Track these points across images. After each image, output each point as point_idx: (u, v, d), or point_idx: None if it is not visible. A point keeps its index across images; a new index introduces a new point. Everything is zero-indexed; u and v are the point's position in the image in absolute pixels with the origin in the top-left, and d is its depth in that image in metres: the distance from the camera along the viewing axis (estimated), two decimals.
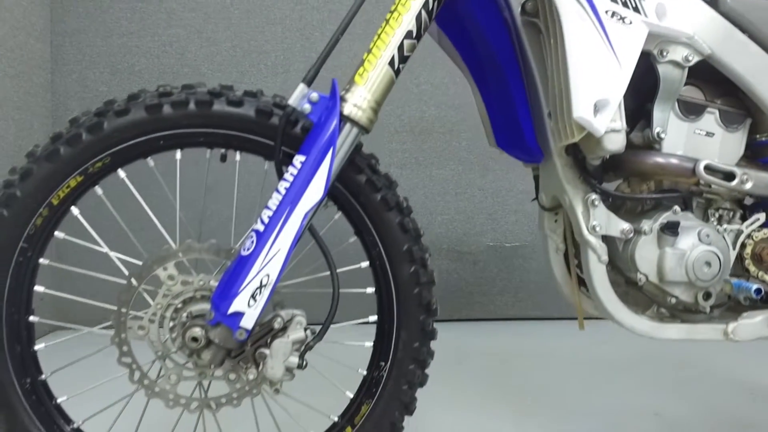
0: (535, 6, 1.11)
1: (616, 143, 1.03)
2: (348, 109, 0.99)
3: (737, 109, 1.16)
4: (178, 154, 1.09)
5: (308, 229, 1.01)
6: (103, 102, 1.06)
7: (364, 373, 1.15)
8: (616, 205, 1.17)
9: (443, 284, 2.69)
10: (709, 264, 1.10)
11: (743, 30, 1.11)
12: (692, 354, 2.20)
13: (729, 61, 1.10)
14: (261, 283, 0.95)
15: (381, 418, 1.11)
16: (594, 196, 1.10)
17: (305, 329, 1.01)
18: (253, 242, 0.96)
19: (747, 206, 1.22)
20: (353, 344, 1.15)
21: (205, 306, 1.01)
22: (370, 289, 1.14)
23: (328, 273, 1.05)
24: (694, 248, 1.10)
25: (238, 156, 1.11)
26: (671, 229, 1.09)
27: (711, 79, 1.14)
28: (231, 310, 0.95)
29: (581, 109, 0.97)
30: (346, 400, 1.16)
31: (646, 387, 1.86)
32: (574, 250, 1.26)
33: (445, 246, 2.74)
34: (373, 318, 1.15)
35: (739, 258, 1.16)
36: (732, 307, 1.20)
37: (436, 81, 2.71)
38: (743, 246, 1.16)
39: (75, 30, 2.62)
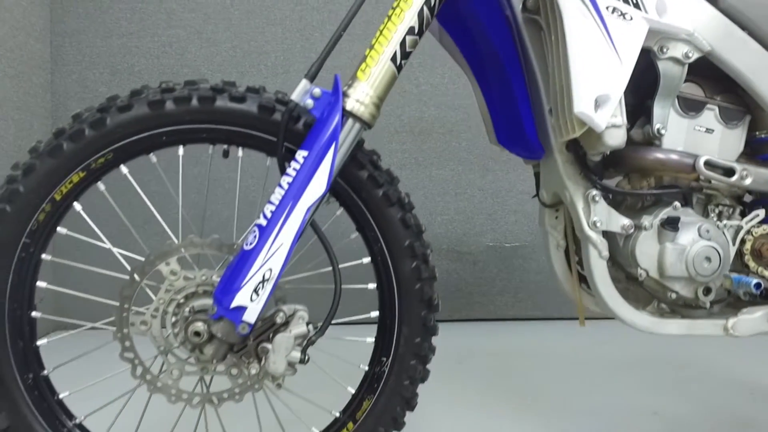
0: (536, 3, 1.12)
1: (616, 139, 1.04)
2: (350, 104, 0.99)
3: (737, 105, 1.17)
4: (181, 150, 1.09)
5: (310, 224, 1.02)
6: (105, 98, 1.06)
7: (366, 368, 1.16)
8: (616, 201, 1.18)
9: (443, 284, 2.70)
10: (709, 259, 1.10)
11: (743, 27, 1.12)
12: (692, 354, 2.21)
13: (729, 58, 1.11)
14: (263, 277, 0.96)
15: (382, 413, 1.12)
16: (595, 191, 1.10)
17: (307, 324, 1.01)
18: (255, 237, 0.96)
19: (746, 203, 1.23)
20: (354, 340, 1.16)
21: (208, 301, 1.02)
22: (372, 285, 1.14)
23: (330, 269, 1.06)
24: (694, 243, 1.10)
25: (240, 152, 1.11)
26: (671, 224, 1.10)
27: (711, 76, 1.14)
28: (233, 304, 0.96)
29: (582, 104, 0.98)
30: (347, 395, 1.16)
31: (646, 386, 1.86)
32: (574, 246, 1.26)
33: (444, 246, 2.75)
34: (375, 314, 1.15)
35: (739, 254, 1.17)
36: (732, 303, 1.20)
37: (435, 81, 2.72)
38: (743, 242, 1.16)
39: (75, 30, 2.63)
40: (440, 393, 1.76)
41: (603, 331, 2.50)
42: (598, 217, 1.10)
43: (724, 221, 1.16)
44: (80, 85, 2.64)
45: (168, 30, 2.65)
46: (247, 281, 0.95)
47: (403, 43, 1.01)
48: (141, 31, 2.64)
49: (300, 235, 0.98)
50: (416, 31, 1.02)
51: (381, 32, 1.01)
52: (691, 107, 1.14)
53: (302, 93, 1.01)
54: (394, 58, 1.01)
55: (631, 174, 1.18)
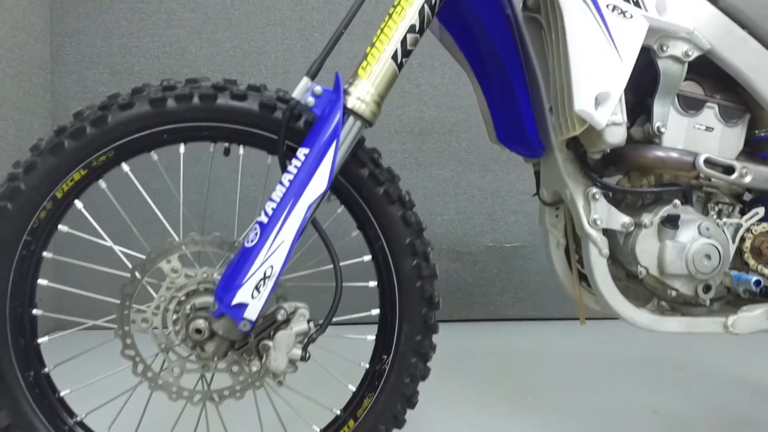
0: (537, 1, 1.12)
1: (616, 136, 1.04)
2: (351, 102, 1.00)
3: (736, 104, 1.17)
4: (182, 148, 1.09)
5: (311, 222, 1.02)
6: (107, 96, 1.06)
7: (367, 366, 1.16)
8: (616, 199, 1.18)
9: (443, 285, 2.70)
10: (708, 257, 1.11)
11: (742, 26, 1.12)
12: (691, 354, 2.21)
13: (728, 56, 1.11)
14: (265, 274, 0.96)
15: (383, 411, 1.12)
16: (595, 189, 1.11)
17: (308, 321, 1.01)
18: (257, 234, 0.97)
19: (746, 202, 1.23)
20: (355, 337, 1.16)
21: (209, 299, 1.02)
22: (373, 283, 1.14)
23: (331, 267, 1.06)
24: (694, 241, 1.11)
25: (241, 150, 1.11)
26: (671, 222, 1.10)
27: (710, 75, 1.15)
28: (235, 301, 0.96)
29: (582, 102, 0.98)
30: (348, 393, 1.16)
31: (646, 386, 1.86)
32: (574, 245, 1.26)
33: (444, 246, 2.75)
34: (376, 311, 1.15)
35: (739, 252, 1.17)
36: (731, 300, 1.20)
37: (435, 82, 2.72)
38: (742, 240, 1.16)
39: (75, 30, 2.63)
40: (440, 393, 1.76)
41: (603, 331, 2.51)
42: (599, 214, 1.10)
43: (724, 219, 1.16)
44: (80, 85, 2.64)
45: (168, 30, 2.65)
46: (249, 278, 0.96)
47: (404, 41, 1.01)
48: (141, 31, 2.64)
49: (301, 232, 0.98)
50: (417, 29, 1.02)
51: (382, 30, 1.02)
52: (690, 105, 1.15)
53: (303, 91, 1.01)
54: (395, 56, 1.01)
55: (631, 172, 1.19)
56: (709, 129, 1.16)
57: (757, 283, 1.09)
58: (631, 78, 1.02)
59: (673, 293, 1.14)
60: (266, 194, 1.01)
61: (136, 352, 1.05)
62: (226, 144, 1.11)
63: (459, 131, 2.74)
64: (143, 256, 1.04)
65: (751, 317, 1.15)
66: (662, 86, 1.10)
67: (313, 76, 1.02)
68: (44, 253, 1.07)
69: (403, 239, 1.09)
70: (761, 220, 1.17)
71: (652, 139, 1.13)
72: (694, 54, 1.10)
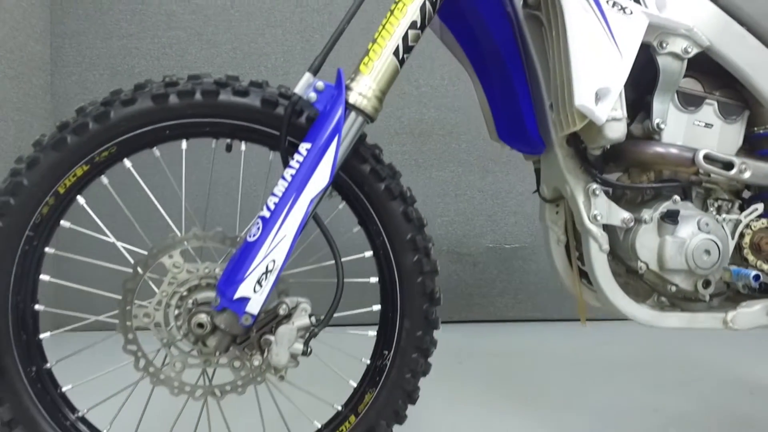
0: None
1: (617, 131, 1.05)
2: (353, 97, 1.00)
3: (735, 101, 1.18)
4: (184, 144, 1.09)
5: (313, 217, 1.02)
6: (109, 92, 1.07)
7: (368, 362, 1.16)
8: (616, 195, 1.19)
9: (443, 286, 2.69)
10: (708, 252, 1.11)
11: (741, 23, 1.13)
12: (692, 354, 2.21)
13: (727, 53, 1.12)
14: (267, 268, 0.96)
15: (384, 406, 1.12)
16: (595, 185, 1.11)
17: (310, 316, 1.01)
18: (259, 228, 0.97)
19: (745, 200, 1.24)
20: (356, 333, 1.16)
21: (211, 294, 1.02)
22: (374, 279, 1.15)
23: (332, 263, 1.06)
24: (693, 236, 1.11)
25: (243, 146, 1.12)
26: (671, 217, 1.11)
27: (710, 72, 1.16)
28: (237, 295, 0.96)
29: (583, 97, 0.99)
30: (349, 389, 1.16)
31: (646, 385, 1.86)
32: (575, 242, 1.27)
33: (444, 248, 2.75)
34: (377, 307, 1.15)
35: (738, 247, 1.17)
36: (731, 296, 1.21)
37: (435, 83, 2.73)
38: (742, 236, 1.17)
39: (75, 32, 2.63)
40: (441, 393, 1.76)
41: (603, 331, 2.52)
42: (599, 210, 1.11)
43: (723, 215, 1.17)
44: (80, 86, 2.64)
45: (168, 31, 2.66)
46: (251, 272, 0.96)
47: (405, 38, 1.02)
48: (141, 33, 2.65)
49: (303, 226, 0.98)
50: (418, 25, 1.02)
51: (383, 26, 1.02)
52: (690, 102, 1.15)
53: (305, 86, 1.02)
54: (396, 52, 1.02)
55: (631, 168, 1.19)
56: (708, 126, 1.16)
57: (756, 277, 1.09)
58: (630, 75, 1.03)
59: (673, 288, 1.14)
60: (268, 190, 1.01)
61: (138, 347, 1.05)
62: (228, 140, 1.11)
63: (459, 133, 2.75)
64: (145, 252, 1.04)
65: (750, 313, 1.15)
66: (662, 83, 1.11)
67: (315, 72, 1.03)
68: (46, 249, 1.07)
69: (405, 235, 1.10)
70: (760, 216, 1.18)
71: (652, 135, 1.13)
72: (694, 51, 1.10)
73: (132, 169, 1.09)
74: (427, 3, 1.02)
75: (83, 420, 1.10)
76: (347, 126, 1.00)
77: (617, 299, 1.14)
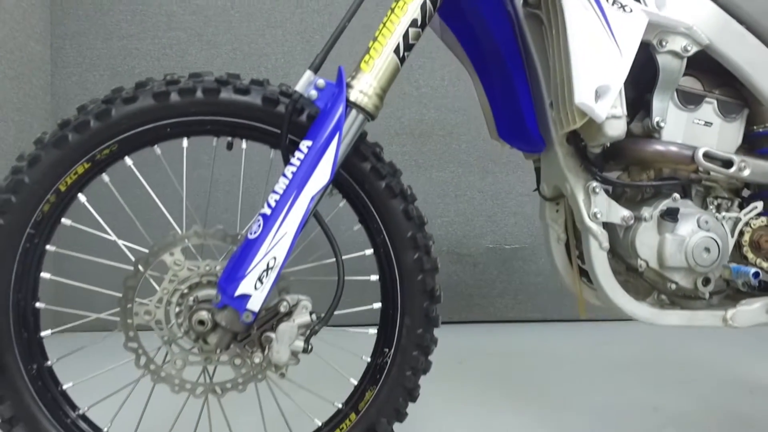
0: None
1: (616, 129, 1.05)
2: (354, 95, 1.00)
3: (735, 99, 1.18)
4: (185, 142, 1.10)
5: (314, 215, 1.02)
6: (111, 89, 1.07)
7: (368, 360, 1.16)
8: (616, 193, 1.20)
9: (443, 287, 2.70)
10: (708, 250, 1.11)
11: (741, 22, 1.14)
12: (691, 354, 2.21)
13: (727, 51, 1.13)
14: (268, 265, 0.96)
15: (385, 404, 1.12)
16: (595, 183, 1.12)
17: (311, 314, 1.01)
18: (260, 226, 0.97)
19: (745, 198, 1.24)
20: (357, 331, 1.16)
21: (211, 291, 1.02)
22: (374, 277, 1.15)
23: (332, 261, 1.06)
24: (693, 234, 1.11)
25: (244, 144, 1.12)
26: (671, 215, 1.11)
27: (709, 70, 1.16)
28: (238, 292, 0.96)
29: (583, 94, 0.99)
30: (350, 387, 1.17)
31: (646, 385, 1.87)
32: (575, 240, 1.27)
33: (444, 248, 2.75)
34: (377, 305, 1.16)
35: (738, 245, 1.18)
36: (731, 295, 1.21)
37: (435, 84, 2.73)
38: (741, 233, 1.17)
39: (75, 32, 2.63)
40: (441, 393, 1.76)
41: (603, 332, 2.52)
42: (599, 208, 1.11)
43: (723, 213, 1.17)
44: (80, 87, 2.64)
45: (168, 32, 2.66)
46: (252, 269, 0.96)
47: (406, 35, 1.02)
48: (141, 33, 2.65)
49: (304, 224, 0.98)
50: (419, 23, 1.03)
51: (384, 24, 1.03)
52: (690, 100, 1.16)
53: (306, 84, 1.02)
54: (397, 50, 1.02)
55: (631, 167, 1.20)
56: (707, 124, 1.17)
57: (756, 275, 1.10)
58: (630, 73, 1.03)
59: (673, 286, 1.15)
60: (269, 188, 1.02)
61: (139, 345, 1.05)
62: (229, 138, 1.11)
63: (459, 133, 2.75)
64: (146, 250, 1.05)
65: (749, 311, 1.16)
66: (661, 81, 1.11)
67: (316, 70, 1.03)
68: (47, 247, 1.07)
69: (405, 232, 1.10)
70: (760, 215, 1.18)
71: (652, 133, 1.14)
72: (693, 49, 1.11)
73: (133, 167, 1.09)
74: (428, 1, 1.03)
75: (84, 418, 1.10)
76: (348, 123, 1.00)
77: (617, 297, 1.14)
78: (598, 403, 1.70)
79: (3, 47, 2.28)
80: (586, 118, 1.02)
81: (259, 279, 0.96)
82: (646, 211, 1.12)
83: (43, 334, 1.08)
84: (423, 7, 1.02)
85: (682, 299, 1.19)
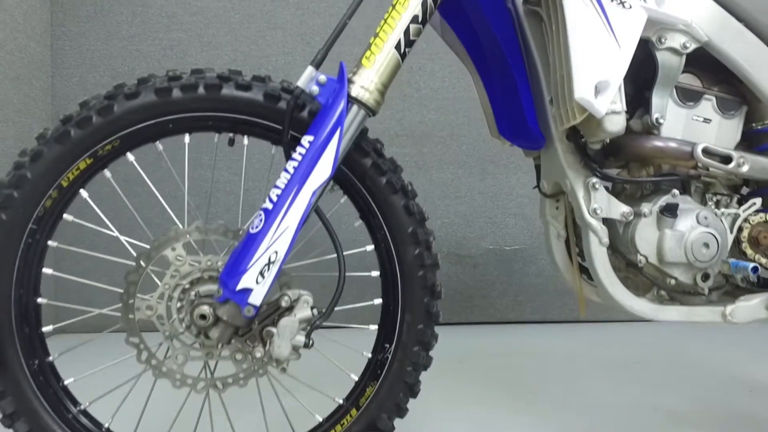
0: None
1: (616, 125, 1.06)
2: (355, 90, 1.01)
3: (734, 96, 1.19)
4: (187, 138, 1.10)
5: (315, 211, 1.03)
6: (113, 86, 1.08)
7: (369, 355, 1.16)
8: (616, 190, 1.20)
9: (443, 287, 2.71)
10: (707, 245, 1.12)
11: (739, 19, 1.14)
12: (691, 354, 2.22)
13: (726, 48, 1.13)
14: (269, 260, 0.97)
15: (386, 399, 1.12)
16: (595, 179, 1.12)
17: (312, 308, 1.02)
18: (261, 220, 0.98)
19: (743, 196, 1.25)
20: (358, 327, 1.17)
21: (213, 286, 1.03)
22: (375, 273, 1.15)
23: (333, 257, 1.07)
24: (692, 230, 1.12)
25: (246, 140, 1.12)
26: (670, 211, 1.11)
27: (708, 67, 1.17)
28: (239, 286, 0.96)
29: (582, 90, 1.00)
30: (351, 383, 1.17)
31: (646, 385, 1.87)
32: (575, 238, 1.28)
33: (444, 249, 2.76)
34: (378, 301, 1.16)
35: (737, 241, 1.18)
36: (729, 291, 1.22)
37: (435, 85, 2.74)
38: (740, 229, 1.18)
39: (75, 33, 2.64)
40: (441, 393, 1.76)
41: (603, 333, 2.53)
42: (599, 204, 1.12)
43: (722, 209, 1.18)
44: (81, 88, 2.65)
45: (169, 33, 2.67)
46: (253, 264, 0.96)
47: (407, 32, 1.03)
48: (142, 35, 2.66)
49: (305, 218, 0.99)
50: (420, 19, 1.03)
51: (385, 21, 1.03)
52: (689, 97, 1.16)
53: (308, 80, 1.03)
54: (398, 46, 1.03)
55: (631, 164, 1.20)
56: (706, 121, 1.17)
57: (755, 269, 1.10)
58: (630, 70, 1.04)
59: (672, 282, 1.15)
60: (270, 185, 1.02)
61: (141, 340, 1.05)
62: (231, 134, 1.12)
63: (459, 135, 2.76)
64: (147, 246, 1.05)
65: (748, 306, 1.16)
66: (660, 78, 1.12)
67: (317, 66, 1.04)
68: (49, 242, 1.07)
69: (406, 228, 1.10)
70: (758, 211, 1.18)
71: (651, 130, 1.14)
72: (692, 46, 1.11)
73: (135, 162, 1.09)
74: None
75: (85, 413, 1.10)
76: (349, 119, 1.01)
77: (617, 293, 1.14)
78: (597, 403, 1.70)
79: (3, 48, 2.28)
80: (586, 114, 1.03)
81: (261, 273, 0.97)
82: (645, 207, 1.13)
83: (44, 329, 1.09)
84: (424, 3, 1.03)
85: (681, 295, 1.20)
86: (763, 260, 1.17)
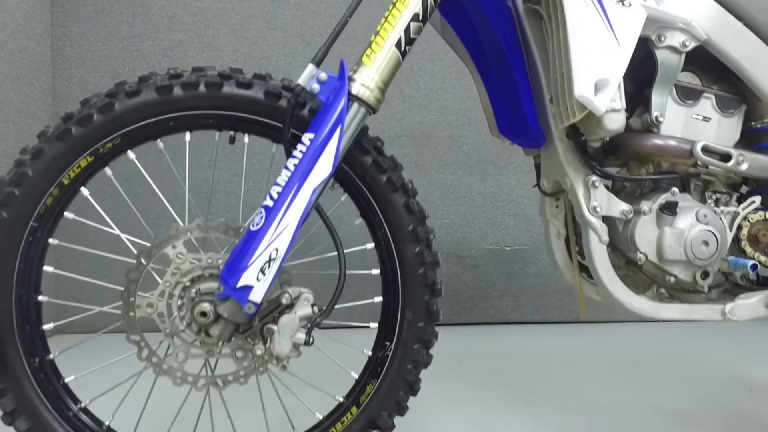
0: None
1: (616, 122, 1.06)
2: (356, 88, 1.01)
3: (733, 95, 1.19)
4: (188, 136, 1.10)
5: (316, 208, 1.03)
6: (114, 83, 1.08)
7: (370, 353, 1.16)
8: (616, 188, 1.20)
9: (443, 288, 2.71)
10: (706, 243, 1.12)
11: (739, 18, 1.15)
12: (691, 354, 2.22)
13: (725, 47, 1.14)
14: (270, 257, 0.97)
15: (386, 397, 1.13)
16: (594, 177, 1.12)
17: (312, 306, 1.02)
18: (262, 217, 0.98)
19: (743, 194, 1.25)
20: (358, 325, 1.17)
21: (214, 284, 1.03)
22: (376, 271, 1.15)
23: (333, 255, 1.07)
24: (692, 227, 1.12)
25: (246, 138, 1.12)
26: (670, 208, 1.12)
27: (708, 66, 1.17)
28: (240, 283, 0.97)
29: (582, 87, 1.00)
30: (351, 381, 1.17)
31: (646, 385, 1.87)
32: (575, 236, 1.28)
33: (445, 250, 2.76)
34: (378, 299, 1.16)
35: (736, 239, 1.19)
36: (729, 289, 1.22)
37: (436, 86, 2.75)
38: (739, 228, 1.18)
39: (76, 34, 2.64)
40: (441, 394, 1.76)
41: (603, 333, 2.53)
42: (598, 202, 1.12)
43: (721, 207, 1.18)
44: (81, 88, 2.65)
45: (169, 34, 2.67)
46: (254, 261, 0.97)
47: (407, 30, 1.03)
48: (142, 35, 2.66)
49: (306, 216, 0.99)
50: (420, 17, 1.04)
51: (386, 19, 1.03)
52: (688, 96, 1.17)
53: (309, 77, 1.03)
54: (398, 44, 1.03)
55: (631, 162, 1.20)
56: (706, 119, 1.17)
57: (754, 267, 1.10)
58: (629, 69, 1.04)
59: (672, 279, 1.15)
60: (270, 183, 1.02)
61: (141, 338, 1.05)
62: (231, 132, 1.12)
63: (459, 135, 2.76)
64: (147, 244, 1.05)
65: (748, 304, 1.16)
66: (660, 76, 1.12)
67: (318, 63, 1.04)
68: (50, 240, 1.07)
69: (406, 226, 1.11)
70: (758, 209, 1.19)
71: (651, 128, 1.15)
72: (691, 44, 1.12)
73: (136, 160, 1.10)
74: None
75: (85, 411, 1.10)
76: (350, 116, 1.01)
77: (617, 291, 1.15)
78: (597, 403, 1.70)
79: (4, 49, 2.29)
80: (586, 111, 1.03)
81: (262, 270, 0.97)
82: (645, 205, 1.13)
83: (45, 327, 1.09)
84: (424, 1, 1.03)
85: (681, 293, 1.20)
86: (763, 258, 1.18)
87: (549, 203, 1.28)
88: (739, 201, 1.21)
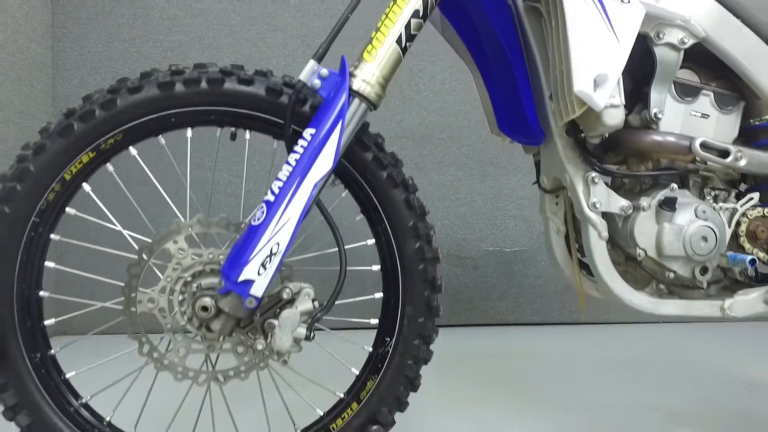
0: None
1: (615, 118, 1.06)
2: (357, 84, 1.02)
3: (731, 92, 1.20)
4: (189, 132, 1.11)
5: (316, 204, 1.03)
6: (116, 80, 1.08)
7: (370, 349, 1.17)
8: (615, 185, 1.21)
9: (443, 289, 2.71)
10: (705, 239, 1.13)
11: (737, 15, 1.15)
12: (691, 355, 2.22)
13: (723, 44, 1.14)
14: (271, 251, 0.97)
15: (386, 393, 1.13)
16: (594, 174, 1.13)
17: (313, 301, 1.02)
18: (263, 212, 0.98)
19: (741, 192, 1.26)
20: (358, 321, 1.17)
21: (215, 279, 1.03)
22: (376, 267, 1.16)
23: (334, 250, 1.07)
24: (691, 223, 1.13)
25: (248, 135, 1.13)
26: (669, 204, 1.12)
27: (706, 63, 1.18)
28: (241, 278, 0.97)
29: (581, 83, 1.01)
30: (352, 377, 1.17)
31: (645, 385, 1.87)
32: (574, 233, 1.28)
33: (444, 251, 2.76)
34: (379, 295, 1.16)
35: (734, 236, 1.19)
36: (728, 285, 1.22)
37: (436, 87, 2.75)
38: (738, 224, 1.19)
39: (76, 35, 2.65)
40: (441, 394, 1.76)
41: (603, 334, 2.53)
42: (598, 198, 1.13)
43: (720, 204, 1.19)
44: (82, 89, 2.65)
45: (170, 35, 2.68)
46: (255, 255, 0.97)
47: (408, 26, 1.04)
48: (143, 37, 2.67)
49: (307, 211, 0.99)
50: (421, 14, 1.04)
51: (387, 15, 1.04)
52: (687, 93, 1.17)
53: (310, 73, 1.04)
54: (399, 41, 1.04)
55: (630, 159, 1.21)
56: (704, 116, 1.18)
57: (753, 262, 1.11)
58: (628, 65, 1.05)
59: (671, 275, 1.16)
60: (271, 180, 1.03)
61: (143, 333, 1.06)
62: (233, 129, 1.12)
63: (459, 137, 2.76)
64: (149, 240, 1.05)
65: (746, 300, 1.17)
66: (659, 73, 1.13)
67: (319, 59, 1.05)
68: (52, 236, 1.08)
69: (407, 222, 1.11)
70: (756, 206, 1.19)
71: (650, 125, 1.15)
72: (690, 42, 1.12)
73: (137, 156, 1.10)
74: None
75: (87, 406, 1.10)
76: (351, 112, 1.02)
77: (616, 287, 1.15)
78: (597, 403, 1.71)
79: (4, 50, 2.29)
80: (585, 107, 1.03)
81: (263, 264, 0.97)
82: (644, 201, 1.13)
83: (46, 322, 1.09)
84: None
85: (680, 289, 1.20)
86: (761, 254, 1.18)
87: (549, 200, 1.28)
88: (738, 197, 1.21)
